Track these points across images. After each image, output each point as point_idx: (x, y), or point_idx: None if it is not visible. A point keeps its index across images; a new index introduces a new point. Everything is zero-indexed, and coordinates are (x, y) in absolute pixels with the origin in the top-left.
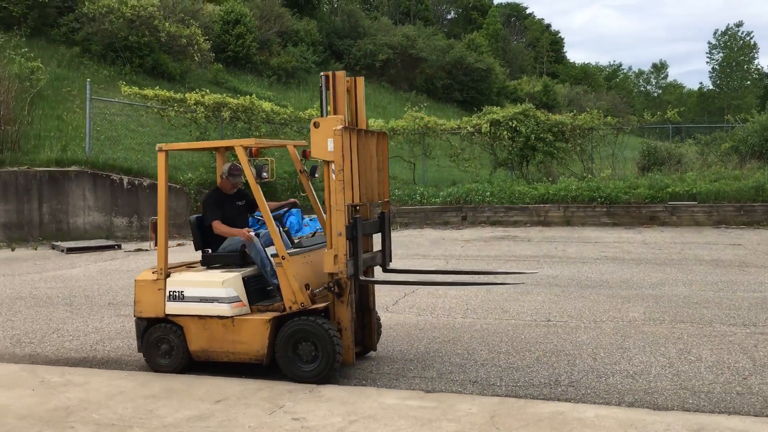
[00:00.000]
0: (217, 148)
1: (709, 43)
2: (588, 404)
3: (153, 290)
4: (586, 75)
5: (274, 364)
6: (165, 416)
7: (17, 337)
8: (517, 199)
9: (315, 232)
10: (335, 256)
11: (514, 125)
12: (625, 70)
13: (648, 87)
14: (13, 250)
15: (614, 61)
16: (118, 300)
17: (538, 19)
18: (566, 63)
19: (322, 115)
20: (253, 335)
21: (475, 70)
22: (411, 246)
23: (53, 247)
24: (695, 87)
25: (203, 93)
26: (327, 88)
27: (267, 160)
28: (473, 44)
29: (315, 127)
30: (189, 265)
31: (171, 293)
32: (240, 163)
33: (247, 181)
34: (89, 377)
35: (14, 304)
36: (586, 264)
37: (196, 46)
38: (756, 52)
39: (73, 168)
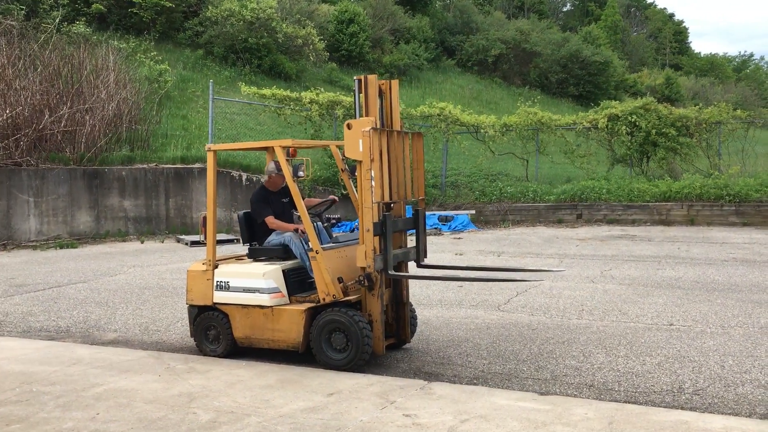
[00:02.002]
0: (265, 148)
1: None
2: (715, 414)
3: (203, 280)
4: (712, 66)
5: (309, 352)
6: (280, 406)
7: (145, 324)
8: (636, 197)
9: (354, 228)
10: (365, 251)
11: (633, 120)
12: (756, 60)
13: None
14: (142, 242)
15: (745, 51)
16: None
17: (661, 8)
18: (691, 54)
19: (356, 117)
20: (290, 324)
21: (592, 63)
22: (523, 244)
23: (178, 241)
24: None
25: (318, 91)
26: (360, 92)
27: (303, 159)
28: (590, 37)
29: (348, 128)
30: (238, 258)
31: (218, 283)
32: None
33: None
34: (210, 366)
35: (143, 293)
36: (713, 266)
37: (311, 46)
38: None
39: (196, 165)
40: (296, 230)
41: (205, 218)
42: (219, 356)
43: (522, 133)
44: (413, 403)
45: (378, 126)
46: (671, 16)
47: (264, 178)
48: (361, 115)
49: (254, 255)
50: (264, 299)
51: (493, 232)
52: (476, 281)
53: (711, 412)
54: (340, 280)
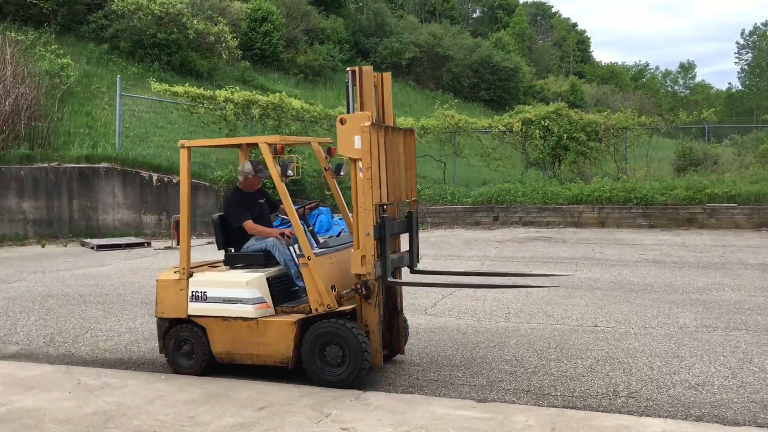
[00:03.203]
0: (240, 145)
1: (738, 43)
2: (653, 417)
3: (175, 290)
4: (612, 74)
5: (297, 368)
6: (207, 423)
7: (51, 336)
8: (550, 200)
9: (340, 232)
10: (362, 257)
11: (546, 124)
12: (652, 70)
13: (675, 87)
14: (43, 246)
15: (641, 61)
16: (151, 299)
17: (564, 18)
18: (593, 62)
19: (348, 112)
20: (278, 337)
21: (502, 69)
22: (443, 246)
23: (83, 244)
24: (723, 88)
25: (233, 90)
26: (354, 84)
27: (292, 157)
28: (500, 43)
29: (341, 123)
30: (211, 265)
31: (193, 293)
32: (264, 160)
33: (271, 179)
34: (126, 380)
35: (46, 301)
36: (627, 267)
37: (223, 44)
38: None
39: (102, 165)
40: (282, 234)
41: (177, 222)
42: (194, 374)
43: (439, 135)
44: (350, 415)
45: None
46: (575, 25)
47: (239, 179)
48: (354, 110)
49: (231, 262)
50: (247, 310)
51: None
52: (481, 288)
53: (648, 416)
54: (333, 288)
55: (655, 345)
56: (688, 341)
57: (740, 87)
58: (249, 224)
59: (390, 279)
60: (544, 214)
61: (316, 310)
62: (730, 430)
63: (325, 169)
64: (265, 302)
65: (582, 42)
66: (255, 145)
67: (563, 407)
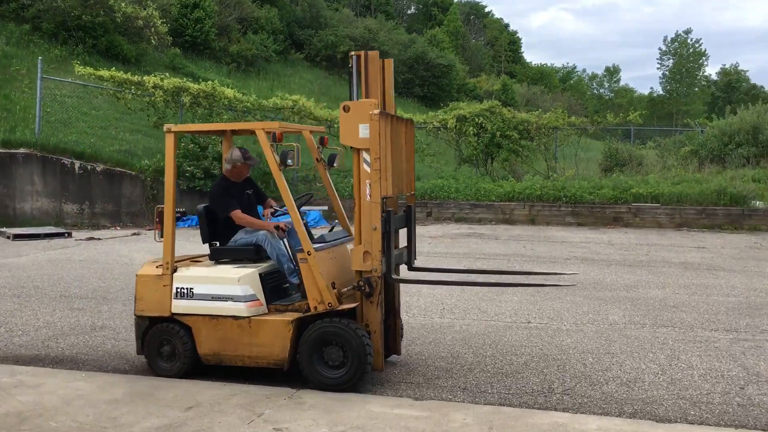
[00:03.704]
0: (225, 132)
1: (660, 49)
2: (588, 415)
3: (157, 286)
4: (542, 76)
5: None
6: (130, 425)
7: None
8: (482, 197)
9: (333, 226)
10: (365, 253)
11: (480, 122)
12: (579, 73)
13: (601, 90)
14: None
15: (569, 64)
16: (71, 292)
17: (497, 18)
18: (523, 63)
19: (351, 99)
20: (273, 337)
21: (437, 66)
22: None
23: None
24: (646, 92)
25: (162, 76)
26: (358, 70)
27: (293, 145)
28: (434, 40)
29: (345, 111)
30: (193, 259)
31: (178, 290)
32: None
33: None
34: (43, 378)
35: None
36: (557, 264)
37: (153, 29)
38: (705, 60)
39: (21, 150)
40: (277, 227)
41: (161, 212)
42: (175, 376)
43: None
44: (283, 415)
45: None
46: (507, 26)
47: (226, 167)
48: (359, 97)
49: (217, 256)
50: (240, 309)
51: None
52: (488, 286)
53: (583, 413)
54: (332, 285)
55: (587, 341)
56: (618, 338)
57: (661, 92)
58: (238, 214)
59: (394, 276)
60: (476, 210)
61: (315, 308)
62: (663, 427)
63: (317, 159)
64: (258, 300)
65: (513, 43)
66: (250, 132)
67: (500, 404)
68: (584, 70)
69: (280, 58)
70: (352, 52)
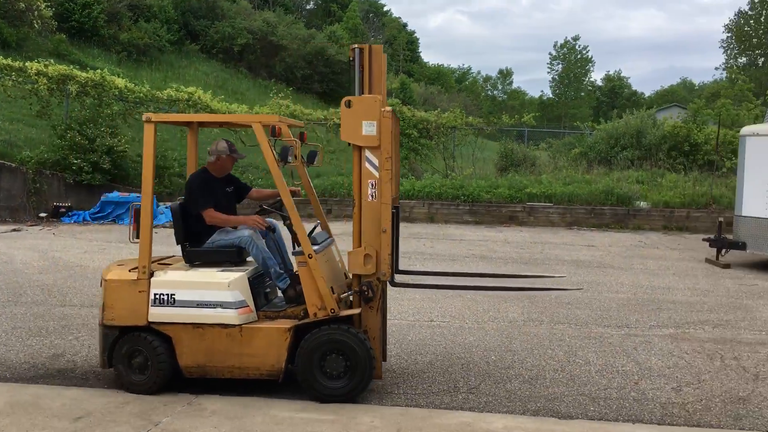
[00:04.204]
0: (191, 123)
1: (550, 54)
2: (494, 414)
3: (131, 292)
4: (439, 76)
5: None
6: None
7: None
8: None
9: (315, 227)
10: (366, 255)
11: None
12: (474, 74)
13: (494, 92)
14: None
15: (464, 65)
16: None
17: (396, 17)
18: (421, 63)
19: (354, 94)
20: (268, 347)
21: (336, 62)
22: None
23: None
24: (537, 95)
25: (47, 63)
26: (360, 64)
27: (293, 141)
28: (334, 36)
29: (347, 106)
30: (161, 262)
31: (157, 296)
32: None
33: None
34: None
35: None
36: (457, 262)
37: (36, 13)
38: (592, 66)
39: None
40: (269, 228)
41: (138, 210)
42: (148, 392)
43: None
44: (182, 423)
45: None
46: (405, 25)
47: (209, 159)
48: (362, 92)
49: (192, 259)
50: (229, 316)
51: None
52: (488, 290)
53: (489, 411)
54: (332, 290)
55: (489, 339)
56: (518, 335)
57: (551, 95)
58: (211, 213)
59: (397, 280)
60: None
61: (315, 315)
62: (564, 424)
63: (295, 156)
64: (248, 306)
65: (412, 42)
66: (240, 126)
67: (407, 405)
68: (479, 72)
69: (174, 48)
70: (355, 45)
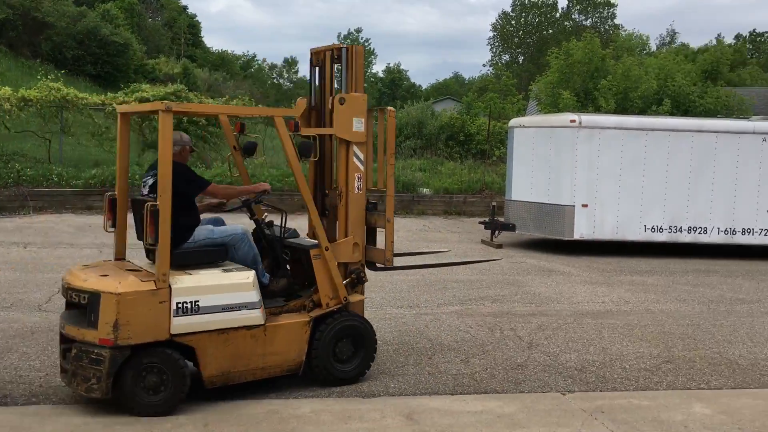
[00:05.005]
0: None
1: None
2: (300, 399)
3: (151, 305)
4: (223, 62)
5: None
6: None
7: None
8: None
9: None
10: (354, 244)
11: None
12: (259, 62)
13: (281, 80)
14: None
15: (249, 52)
16: None
17: None
18: (204, 48)
19: (311, 95)
20: (290, 342)
21: (111, 43)
22: (52, 234)
23: None
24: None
25: None
26: (347, 64)
27: (311, 138)
28: (108, 15)
29: (340, 103)
30: (130, 270)
31: (180, 305)
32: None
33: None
34: None
35: None
36: None
37: None
38: (374, 58)
39: None
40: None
41: (112, 200)
42: (165, 413)
43: (43, 110)
44: None
45: None
46: (185, 8)
47: (175, 149)
48: (349, 90)
49: (179, 260)
50: (255, 316)
51: (12, 220)
52: (443, 266)
53: (296, 398)
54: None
55: None
56: None
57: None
58: (215, 187)
59: (378, 265)
60: None
61: (327, 305)
62: (368, 402)
63: (234, 147)
64: (263, 305)
65: (193, 26)
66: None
67: (216, 400)
68: (264, 60)
69: None
70: (343, 45)
